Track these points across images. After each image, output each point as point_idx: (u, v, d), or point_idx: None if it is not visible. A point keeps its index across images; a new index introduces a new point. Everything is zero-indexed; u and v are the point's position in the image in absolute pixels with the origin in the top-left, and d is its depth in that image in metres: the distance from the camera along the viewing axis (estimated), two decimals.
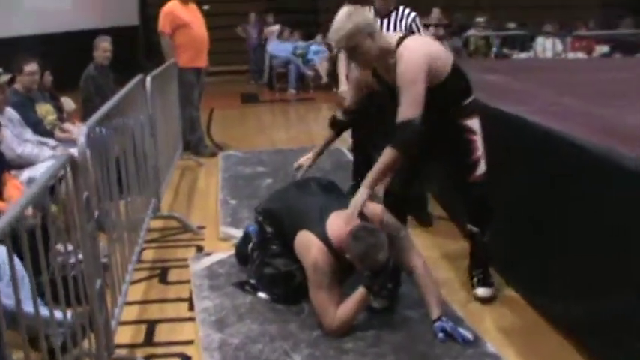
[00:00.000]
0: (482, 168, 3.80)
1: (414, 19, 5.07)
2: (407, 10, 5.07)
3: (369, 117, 4.27)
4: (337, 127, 4.25)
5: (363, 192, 3.54)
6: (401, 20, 5.02)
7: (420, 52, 3.51)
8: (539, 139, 3.78)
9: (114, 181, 3.69)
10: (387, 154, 3.48)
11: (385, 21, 5.00)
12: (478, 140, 3.78)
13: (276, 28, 15.09)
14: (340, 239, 3.51)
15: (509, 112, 4.31)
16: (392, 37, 3.67)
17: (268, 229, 4.04)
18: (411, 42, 3.58)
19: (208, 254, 4.72)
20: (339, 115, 4.19)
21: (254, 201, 5.33)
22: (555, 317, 3.59)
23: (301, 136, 9.11)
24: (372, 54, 3.56)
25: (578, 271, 3.31)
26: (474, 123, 3.79)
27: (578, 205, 3.33)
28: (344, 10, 3.53)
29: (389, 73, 3.60)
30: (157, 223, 5.31)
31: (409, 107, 3.43)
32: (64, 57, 9.29)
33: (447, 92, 3.63)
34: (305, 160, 4.30)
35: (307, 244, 3.61)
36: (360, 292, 3.49)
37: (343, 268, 3.58)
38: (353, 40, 3.49)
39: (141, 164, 4.67)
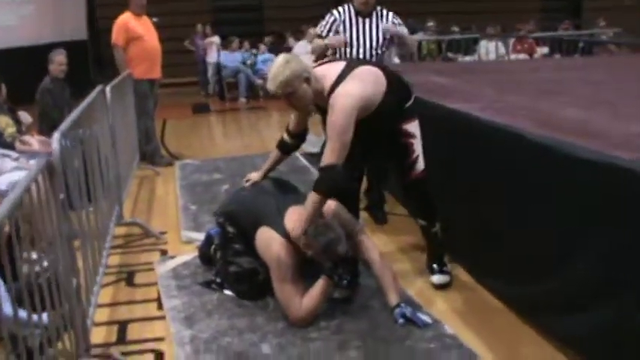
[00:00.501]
0: (420, 166, 4.06)
1: (394, 17, 5.29)
2: (384, 11, 5.28)
3: None
4: (285, 148, 4.39)
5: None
6: (381, 19, 5.22)
7: (349, 100, 3.65)
8: (485, 132, 4.03)
9: (83, 187, 3.83)
10: (312, 198, 3.68)
11: (367, 21, 5.15)
12: (415, 142, 4.04)
13: (215, 39, 15.31)
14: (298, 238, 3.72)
15: (457, 109, 4.55)
16: (327, 79, 3.81)
17: (230, 229, 4.21)
18: (342, 89, 3.72)
19: (173, 257, 4.87)
20: (286, 137, 4.33)
21: (214, 205, 5.50)
22: (509, 298, 3.84)
23: (255, 143, 9.28)
24: (307, 98, 3.77)
25: (528, 253, 3.55)
26: (412, 126, 4.04)
27: (522, 190, 3.59)
28: (281, 58, 3.75)
29: (325, 110, 3.78)
30: (120, 230, 5.42)
31: (333, 154, 3.62)
32: (15, 71, 9.30)
33: (381, 113, 3.84)
34: (254, 175, 4.45)
35: (268, 241, 3.80)
36: (322, 282, 3.69)
37: (304, 260, 3.78)
38: (290, 86, 3.69)
39: (104, 173, 4.80)
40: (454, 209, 4.34)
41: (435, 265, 4.29)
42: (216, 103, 14.20)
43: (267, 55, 14.80)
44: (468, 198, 4.26)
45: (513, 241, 3.70)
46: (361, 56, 5.09)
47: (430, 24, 14.70)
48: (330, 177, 3.64)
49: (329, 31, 5.19)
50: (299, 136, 4.31)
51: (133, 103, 7.30)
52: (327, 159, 3.63)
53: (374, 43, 5.11)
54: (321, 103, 3.84)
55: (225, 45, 15.08)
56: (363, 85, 3.77)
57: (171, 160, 8.21)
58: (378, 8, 5.22)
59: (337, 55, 5.17)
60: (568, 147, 3.17)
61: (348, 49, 5.13)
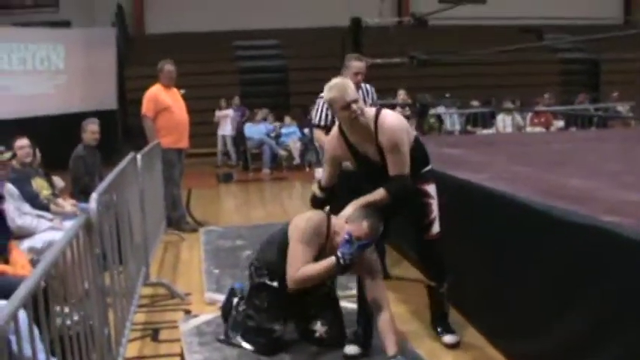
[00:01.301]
0: (436, 228, 4.35)
1: (373, 92, 5.61)
2: (367, 85, 5.59)
3: (342, 198, 4.49)
4: (317, 203, 4.58)
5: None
6: (367, 95, 5.55)
7: (400, 120, 4.13)
8: (491, 200, 4.31)
9: (115, 247, 4.12)
10: (379, 193, 4.03)
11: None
12: (434, 203, 4.33)
13: (229, 112, 15.88)
14: (339, 224, 4.03)
15: (466, 179, 4.85)
16: (368, 112, 4.18)
17: (258, 280, 4.40)
18: (388, 112, 4.17)
19: (196, 316, 5.12)
20: (317, 191, 4.56)
21: (236, 270, 5.89)
22: (514, 356, 4.05)
23: (277, 213, 9.56)
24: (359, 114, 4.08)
25: (528, 311, 3.79)
26: (431, 188, 4.34)
27: (522, 252, 3.84)
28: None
29: (364, 142, 4.12)
30: (147, 291, 5.70)
31: (401, 165, 4.02)
32: (48, 138, 9.72)
33: (411, 160, 4.14)
34: None
35: (307, 214, 4.21)
36: (329, 259, 3.94)
37: (325, 250, 4.03)
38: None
39: (133, 235, 5.10)
40: (464, 270, 4.59)
41: (442, 325, 4.52)
42: (240, 173, 14.59)
43: (292, 128, 15.26)
44: (475, 260, 4.51)
45: (515, 300, 3.94)
46: None
47: (447, 95, 15.07)
48: (401, 183, 4.02)
49: (326, 115, 5.53)
50: (330, 189, 4.51)
51: (161, 171, 7.62)
52: (397, 169, 4.01)
53: None
54: (361, 135, 4.13)
55: (250, 117, 15.56)
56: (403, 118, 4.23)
57: (197, 226, 8.50)
58: (362, 84, 5.54)
59: None
60: (558, 211, 3.44)
61: None
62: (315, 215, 4.13)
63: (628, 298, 2.87)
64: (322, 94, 5.16)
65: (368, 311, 4.21)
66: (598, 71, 20.62)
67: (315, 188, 4.60)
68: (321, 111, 5.62)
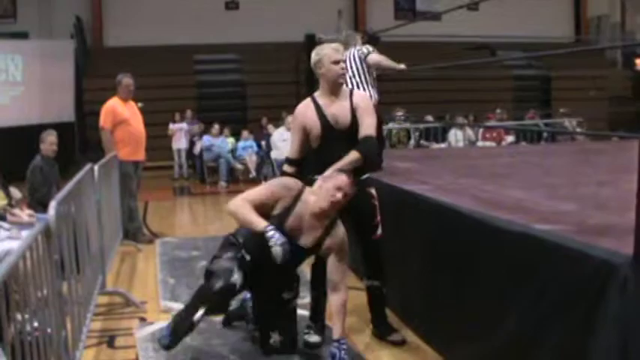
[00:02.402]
0: (380, 230, 4.59)
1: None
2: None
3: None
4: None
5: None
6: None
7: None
8: (433, 209, 4.53)
9: (73, 255, 4.25)
10: (351, 155, 4.30)
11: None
12: (378, 207, 4.57)
13: (182, 125, 16.03)
14: (311, 190, 4.28)
15: (410, 190, 5.07)
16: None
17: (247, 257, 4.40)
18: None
19: (151, 323, 5.26)
20: (286, 167, 4.73)
21: (191, 279, 6.05)
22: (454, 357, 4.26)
23: (233, 226, 9.54)
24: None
25: (466, 315, 3.99)
26: (374, 192, 4.59)
27: (460, 258, 4.06)
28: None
29: (339, 102, 4.47)
30: (103, 299, 5.80)
31: (372, 127, 4.38)
32: (6, 150, 9.76)
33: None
34: None
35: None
36: (262, 221, 4.15)
37: (289, 212, 4.23)
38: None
39: (90, 244, 5.22)
40: (406, 275, 4.81)
41: (384, 325, 4.77)
42: (197, 187, 14.69)
43: (248, 142, 15.43)
44: (416, 266, 4.73)
45: (454, 304, 4.14)
46: None
47: (399, 113, 15.37)
48: (371, 143, 4.38)
49: None
50: (299, 163, 4.68)
51: (118, 183, 7.73)
52: (367, 131, 4.35)
53: None
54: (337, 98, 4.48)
55: (207, 131, 15.68)
56: None
57: (153, 238, 8.61)
58: None
59: None
60: (493, 220, 3.68)
61: None
62: (291, 179, 4.39)
63: (557, 302, 3.07)
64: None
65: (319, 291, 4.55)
66: (549, 88, 21.13)
67: (285, 166, 4.77)
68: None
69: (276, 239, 4.03)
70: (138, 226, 8.57)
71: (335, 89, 4.46)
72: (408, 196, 5.01)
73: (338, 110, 4.43)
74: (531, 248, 3.30)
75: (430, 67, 13.33)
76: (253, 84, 18.92)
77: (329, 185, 4.12)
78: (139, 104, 8.85)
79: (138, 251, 7.92)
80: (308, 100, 4.56)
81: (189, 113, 16.48)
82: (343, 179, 4.11)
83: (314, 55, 4.47)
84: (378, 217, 4.56)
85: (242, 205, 4.21)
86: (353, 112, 4.40)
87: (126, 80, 8.26)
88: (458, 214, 4.11)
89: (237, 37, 19.52)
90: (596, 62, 21.06)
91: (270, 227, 4.08)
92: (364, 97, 4.63)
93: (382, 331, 4.74)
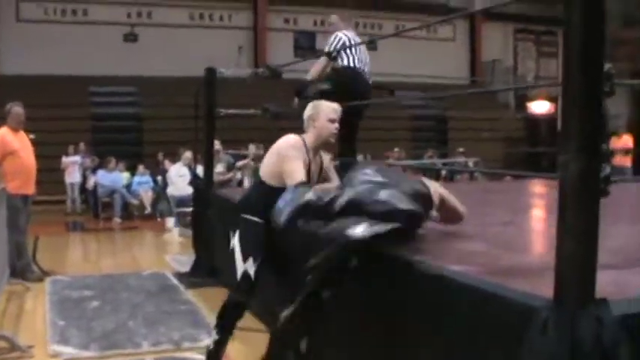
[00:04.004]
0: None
1: None
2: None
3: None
4: None
5: None
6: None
7: None
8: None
9: None
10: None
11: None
12: None
13: (76, 158, 15.63)
14: None
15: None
16: None
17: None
18: None
19: None
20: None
21: (82, 321, 5.69)
22: None
23: (127, 263, 9.37)
24: None
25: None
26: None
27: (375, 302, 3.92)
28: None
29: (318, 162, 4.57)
30: None
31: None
32: None
33: None
34: None
35: None
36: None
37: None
38: None
39: None
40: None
41: None
42: (90, 222, 14.22)
43: (144, 177, 15.11)
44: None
45: (366, 345, 3.99)
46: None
47: None
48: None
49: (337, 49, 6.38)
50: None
51: (5, 218, 7.34)
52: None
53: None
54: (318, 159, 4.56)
55: (102, 164, 15.27)
56: None
57: (43, 275, 8.18)
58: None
59: None
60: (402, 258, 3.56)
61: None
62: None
63: (473, 346, 2.97)
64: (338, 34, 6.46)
65: None
66: (446, 128, 21.61)
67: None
68: (335, 43, 6.41)
69: None
70: (26, 263, 8.14)
71: (322, 146, 4.50)
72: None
73: (315, 168, 4.46)
74: (446, 290, 3.20)
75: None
76: (150, 118, 18.62)
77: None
78: (31, 135, 8.48)
79: (26, 290, 7.50)
80: (302, 144, 4.41)
81: (82, 146, 16.01)
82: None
83: (311, 108, 4.49)
84: None
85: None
86: (322, 171, 4.52)
87: (15, 109, 7.91)
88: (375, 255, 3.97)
89: (135, 70, 19.23)
90: (490, 104, 21.73)
91: None
92: (329, 158, 4.69)
93: None
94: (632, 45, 18.17)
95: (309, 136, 4.44)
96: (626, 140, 14.55)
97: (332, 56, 6.36)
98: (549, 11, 20.05)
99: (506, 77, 23.59)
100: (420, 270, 3.43)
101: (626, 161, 14.27)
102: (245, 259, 4.33)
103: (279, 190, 4.11)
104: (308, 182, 4.22)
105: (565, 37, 2.50)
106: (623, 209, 5.85)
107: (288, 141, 4.39)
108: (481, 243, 4.21)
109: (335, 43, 6.41)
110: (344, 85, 6.21)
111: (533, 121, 22.45)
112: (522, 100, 23.17)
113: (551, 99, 21.35)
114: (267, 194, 4.25)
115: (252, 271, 4.32)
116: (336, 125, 4.44)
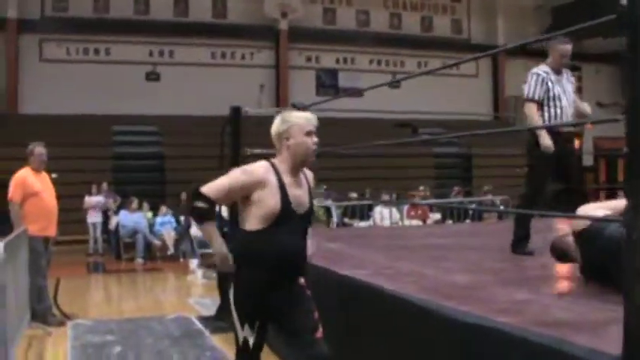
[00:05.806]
0: (321, 328, 3.75)
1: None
2: (568, 72, 5.84)
3: None
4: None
5: None
6: (568, 79, 5.88)
7: None
8: (374, 298, 4.18)
9: None
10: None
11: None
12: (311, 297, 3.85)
13: (99, 198, 15.51)
14: None
15: (347, 275, 4.71)
16: None
17: None
18: None
19: None
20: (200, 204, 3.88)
21: None
22: None
23: (149, 306, 9.18)
24: None
25: None
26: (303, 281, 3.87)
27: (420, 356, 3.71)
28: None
29: (299, 182, 3.86)
30: None
31: None
32: None
33: None
34: None
35: None
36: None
37: None
38: None
39: None
40: None
41: None
42: (112, 263, 14.07)
43: (167, 218, 14.97)
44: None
45: None
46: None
47: (319, 191, 15.12)
48: None
49: (540, 88, 5.69)
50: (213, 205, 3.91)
51: (27, 260, 7.19)
52: None
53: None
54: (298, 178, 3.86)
55: (124, 204, 15.16)
56: None
57: (64, 319, 8.01)
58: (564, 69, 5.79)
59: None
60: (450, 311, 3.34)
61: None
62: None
63: None
64: (535, 69, 5.69)
65: None
66: (470, 165, 21.38)
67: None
68: (535, 84, 5.70)
69: None
70: (47, 307, 7.96)
71: (301, 166, 3.81)
72: (346, 283, 4.64)
73: (302, 192, 3.81)
74: (492, 342, 2.98)
75: (353, 146, 13.17)
76: (172, 157, 18.54)
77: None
78: (53, 175, 8.36)
79: (47, 335, 7.31)
80: (269, 168, 3.76)
81: (105, 186, 15.92)
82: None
83: (280, 123, 3.76)
84: (316, 313, 3.76)
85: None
86: (309, 191, 3.86)
87: (38, 150, 7.78)
88: (407, 303, 3.76)
89: (158, 109, 19.20)
90: (514, 141, 21.43)
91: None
92: (311, 174, 3.97)
93: None
94: None
95: (281, 158, 3.78)
96: None
97: None
98: (573, 47, 19.86)
99: None
100: (461, 320, 3.22)
101: None
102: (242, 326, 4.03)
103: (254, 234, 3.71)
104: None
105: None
106: None
107: (246, 166, 3.84)
108: (526, 291, 3.99)
109: None
110: None
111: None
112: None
113: (576, 135, 21.04)
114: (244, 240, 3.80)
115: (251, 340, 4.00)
116: (315, 139, 3.77)
